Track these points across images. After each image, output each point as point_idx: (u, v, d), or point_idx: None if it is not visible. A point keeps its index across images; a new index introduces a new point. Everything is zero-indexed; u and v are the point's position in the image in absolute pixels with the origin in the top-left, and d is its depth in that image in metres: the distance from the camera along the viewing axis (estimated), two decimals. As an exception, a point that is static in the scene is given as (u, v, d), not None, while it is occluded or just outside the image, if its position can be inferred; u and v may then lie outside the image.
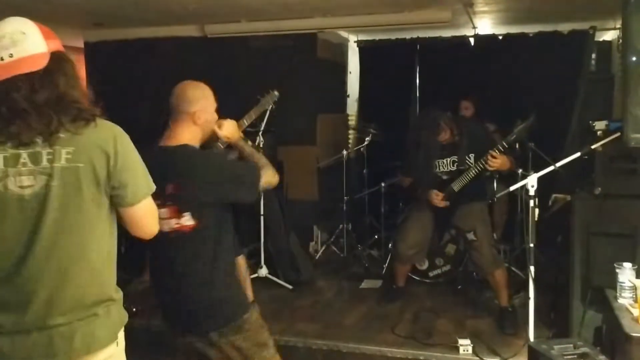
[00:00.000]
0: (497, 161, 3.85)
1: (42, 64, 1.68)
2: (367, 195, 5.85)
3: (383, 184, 5.54)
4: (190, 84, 2.44)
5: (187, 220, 2.25)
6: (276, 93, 4.02)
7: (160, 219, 2.14)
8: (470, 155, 4.04)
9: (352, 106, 7.07)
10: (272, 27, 5.68)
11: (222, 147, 3.09)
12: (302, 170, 5.91)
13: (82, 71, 6.43)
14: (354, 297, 4.74)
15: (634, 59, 2.77)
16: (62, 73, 1.71)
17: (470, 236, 4.04)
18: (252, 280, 4.47)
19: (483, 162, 3.88)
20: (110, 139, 1.72)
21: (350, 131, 6.94)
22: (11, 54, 1.66)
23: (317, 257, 5.78)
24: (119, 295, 1.87)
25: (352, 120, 7.06)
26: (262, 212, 4.87)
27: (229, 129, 2.52)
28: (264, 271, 4.89)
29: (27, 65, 1.66)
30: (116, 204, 1.78)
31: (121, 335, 1.84)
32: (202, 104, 2.38)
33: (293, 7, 5.07)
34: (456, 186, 4.03)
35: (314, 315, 4.33)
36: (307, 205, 5.92)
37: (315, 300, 4.68)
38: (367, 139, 5.77)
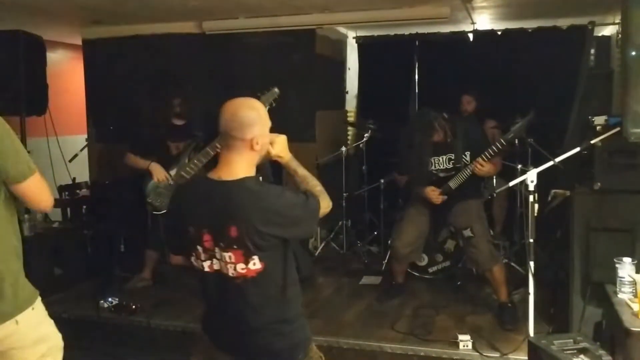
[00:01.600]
0: (484, 169, 3.88)
1: None
2: (367, 192, 5.84)
3: (382, 181, 5.54)
4: (244, 104, 2.09)
5: (255, 265, 2.03)
6: (276, 90, 3.98)
7: (225, 262, 2.03)
8: (466, 153, 4.04)
9: (351, 102, 7.06)
10: (270, 24, 5.66)
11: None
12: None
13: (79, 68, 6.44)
14: (354, 293, 4.74)
15: (633, 53, 2.76)
16: None
17: (467, 233, 4.04)
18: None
19: (471, 168, 3.91)
20: None
21: (349, 127, 6.93)
22: None
23: (316, 254, 5.78)
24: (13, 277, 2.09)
25: (351, 117, 7.05)
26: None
27: (282, 148, 2.23)
28: (263, 268, 4.88)
29: None
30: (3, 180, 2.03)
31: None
32: (259, 128, 2.06)
33: (291, 4, 5.06)
34: (453, 183, 4.03)
35: (314, 311, 4.32)
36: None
37: (315, 297, 4.68)
38: (366, 135, 5.77)
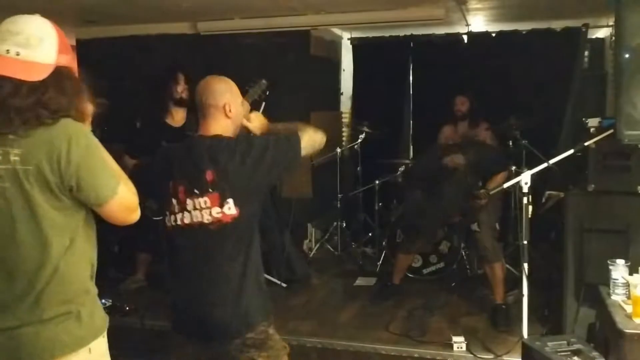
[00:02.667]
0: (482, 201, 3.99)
1: (41, 76, 1.63)
2: (361, 193, 5.85)
3: (377, 182, 5.54)
4: (214, 77, 2.40)
5: (230, 209, 2.15)
6: (264, 81, 3.86)
7: (200, 209, 2.13)
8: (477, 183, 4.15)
9: (345, 104, 7.05)
10: (265, 25, 5.65)
11: None
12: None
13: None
14: (348, 294, 4.74)
15: (626, 56, 2.77)
16: (55, 88, 1.65)
17: (474, 227, 4.05)
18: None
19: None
20: (64, 139, 1.64)
21: (344, 129, 6.93)
22: (18, 53, 1.62)
23: (311, 255, 5.78)
24: (91, 301, 1.81)
25: (346, 118, 7.05)
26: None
27: (259, 121, 2.48)
28: (258, 269, 4.87)
29: (28, 72, 1.61)
30: (84, 203, 1.73)
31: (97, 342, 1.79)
32: (229, 96, 2.34)
33: (286, 5, 5.05)
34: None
35: (308, 313, 4.32)
36: (301, 203, 5.90)
37: (309, 298, 4.67)
38: (360, 136, 5.77)
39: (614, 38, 3.57)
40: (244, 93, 3.83)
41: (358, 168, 5.90)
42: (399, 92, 6.47)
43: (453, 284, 4.77)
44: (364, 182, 5.81)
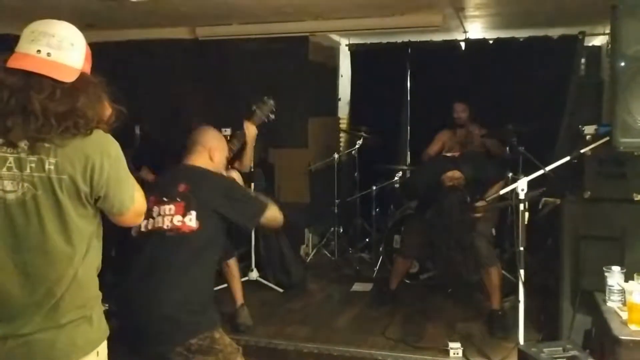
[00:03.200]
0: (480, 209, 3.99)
1: (71, 78, 1.68)
2: (359, 198, 5.85)
3: (374, 187, 5.55)
4: (213, 129, 2.75)
5: (191, 221, 2.27)
6: (272, 102, 3.87)
7: (163, 215, 2.22)
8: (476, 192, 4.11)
9: (343, 109, 7.07)
10: (263, 30, 5.67)
11: None
12: (294, 173, 5.91)
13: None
14: (345, 300, 4.74)
15: (622, 64, 2.79)
16: (85, 93, 1.69)
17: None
18: (243, 283, 4.46)
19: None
20: (97, 151, 1.68)
21: (342, 134, 6.94)
22: (49, 53, 1.66)
23: (308, 260, 5.78)
24: (99, 305, 1.84)
25: (344, 124, 7.06)
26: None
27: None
28: (254, 274, 4.87)
29: (59, 73, 1.65)
30: (105, 210, 1.78)
31: (103, 345, 1.81)
32: (217, 144, 2.66)
33: (284, 11, 5.07)
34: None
35: (305, 318, 4.32)
36: (298, 208, 5.90)
37: (306, 304, 4.67)
38: (358, 142, 5.79)
39: (610, 46, 3.59)
40: (250, 114, 3.83)
41: (355, 174, 5.91)
42: (397, 98, 6.49)
43: (450, 290, 4.77)
44: (361, 188, 5.82)
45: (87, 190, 1.67)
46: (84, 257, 1.73)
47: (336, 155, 5.83)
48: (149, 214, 2.25)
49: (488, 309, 4.12)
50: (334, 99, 6.95)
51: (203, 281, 2.34)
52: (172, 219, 2.26)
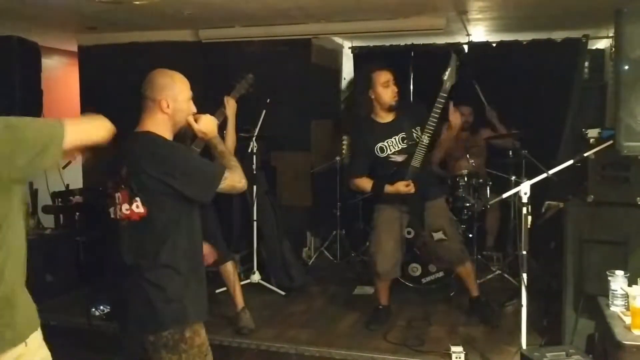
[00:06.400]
0: (457, 114, 4.08)
1: None
2: (361, 201, 5.84)
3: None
4: (160, 71, 2.37)
5: (137, 207, 2.18)
6: (250, 75, 3.77)
7: (116, 204, 2.21)
8: (416, 128, 4.00)
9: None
10: (266, 33, 5.68)
11: (197, 150, 2.98)
12: (296, 175, 5.90)
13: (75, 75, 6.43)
14: (347, 303, 4.73)
15: (626, 67, 2.78)
16: None
17: (439, 235, 4.03)
18: (245, 286, 4.46)
19: (432, 128, 3.88)
20: None
21: (344, 137, 6.93)
22: None
23: (310, 263, 5.77)
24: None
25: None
26: (255, 218, 4.86)
27: (206, 125, 2.40)
28: (256, 277, 4.87)
29: None
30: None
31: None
32: (169, 92, 2.30)
33: (287, 13, 5.07)
34: (416, 162, 3.87)
35: (307, 321, 4.31)
36: (300, 211, 5.90)
37: (308, 307, 4.66)
38: (360, 145, 5.77)
39: (613, 49, 3.58)
40: (230, 88, 3.78)
41: (358, 176, 5.89)
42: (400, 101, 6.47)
43: (452, 294, 4.76)
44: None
45: None
46: None
47: (338, 158, 5.83)
48: (112, 201, 2.24)
49: (470, 297, 4.32)
50: (337, 101, 6.95)
51: (177, 269, 2.20)
52: (121, 208, 2.20)
